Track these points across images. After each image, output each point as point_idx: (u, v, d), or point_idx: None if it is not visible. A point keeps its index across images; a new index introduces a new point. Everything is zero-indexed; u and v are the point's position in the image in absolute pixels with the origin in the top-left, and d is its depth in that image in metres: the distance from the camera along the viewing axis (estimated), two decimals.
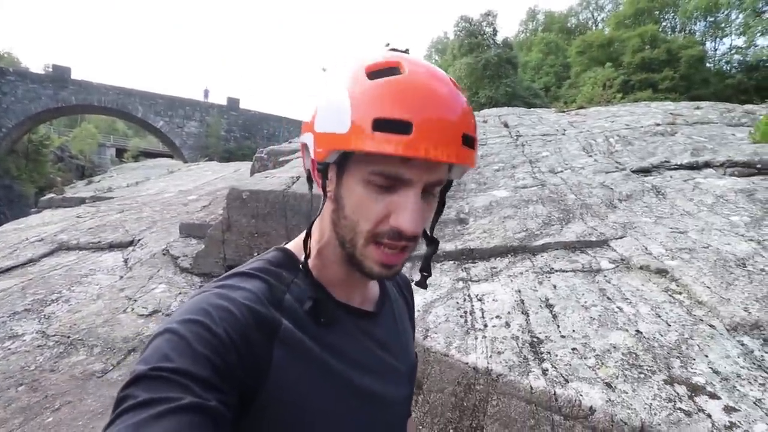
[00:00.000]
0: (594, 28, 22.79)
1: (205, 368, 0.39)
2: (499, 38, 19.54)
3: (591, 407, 1.20)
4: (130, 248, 4.35)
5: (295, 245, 0.58)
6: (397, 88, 0.44)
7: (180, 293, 3.50)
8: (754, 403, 1.18)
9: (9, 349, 2.75)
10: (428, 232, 0.58)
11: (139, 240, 4.47)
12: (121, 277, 3.76)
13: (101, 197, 6.36)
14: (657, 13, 19.36)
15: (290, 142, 5.74)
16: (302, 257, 0.53)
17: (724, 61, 17.05)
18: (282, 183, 3.53)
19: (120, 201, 5.79)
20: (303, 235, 0.55)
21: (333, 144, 0.46)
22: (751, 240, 2.11)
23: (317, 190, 0.54)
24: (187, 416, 0.36)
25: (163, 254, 4.05)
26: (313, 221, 0.54)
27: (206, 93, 24.81)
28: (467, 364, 1.50)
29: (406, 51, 0.53)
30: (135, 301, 3.35)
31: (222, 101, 23.86)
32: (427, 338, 1.68)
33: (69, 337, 2.89)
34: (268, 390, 0.45)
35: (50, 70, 20.45)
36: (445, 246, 2.53)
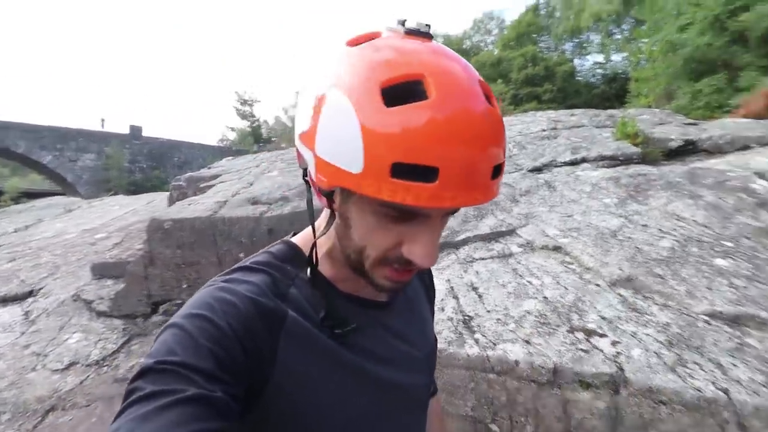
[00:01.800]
0: (485, 49, 25.44)
1: (209, 361, 0.39)
2: None
3: (516, 361, 1.44)
4: (30, 299, 3.84)
5: (300, 239, 0.57)
6: (423, 122, 0.36)
7: (100, 340, 3.20)
8: (631, 335, 1.53)
9: None
10: None
11: (40, 289, 3.97)
12: (23, 333, 3.32)
13: None
14: (534, 35, 22.44)
15: (209, 168, 5.55)
16: (309, 253, 0.52)
17: (590, 74, 20.30)
18: (207, 209, 3.45)
19: (9, 248, 5.07)
20: (308, 230, 0.54)
21: (339, 180, 0.40)
22: (620, 216, 2.62)
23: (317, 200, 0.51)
24: (192, 407, 0.36)
25: (74, 300, 3.66)
26: (315, 227, 0.51)
27: (102, 124, 22.49)
28: None
29: (428, 28, 0.42)
30: (45, 356, 2.99)
31: (123, 130, 21.70)
32: None
33: None
34: (276, 381, 0.44)
35: None
36: None
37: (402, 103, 0.36)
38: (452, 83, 0.38)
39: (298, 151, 0.48)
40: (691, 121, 5.68)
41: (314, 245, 0.50)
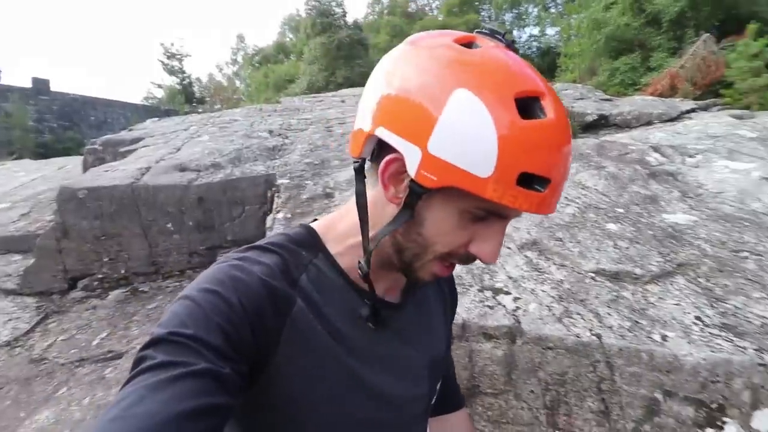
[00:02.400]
0: (431, 14, 25.21)
1: (219, 337, 0.40)
2: (350, 19, 20.10)
3: None
4: None
5: (322, 224, 0.56)
6: (546, 139, 0.40)
7: (10, 320, 2.96)
8: (530, 291, 1.74)
9: None
10: None
11: None
12: None
13: None
14: (477, 4, 22.60)
15: (130, 130, 5.10)
16: (331, 243, 0.53)
17: (526, 46, 21.01)
18: (129, 176, 3.22)
19: None
20: (335, 220, 0.55)
21: (458, 180, 0.40)
22: None
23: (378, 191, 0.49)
24: (202, 380, 0.37)
25: None
26: (367, 219, 0.49)
27: None
28: None
29: (506, 35, 0.46)
30: None
31: (25, 83, 18.64)
32: None
33: None
34: (274, 364, 0.45)
35: None
36: None
37: (526, 117, 0.39)
38: (560, 105, 0.42)
39: (360, 138, 0.47)
40: (607, 97, 6.19)
41: (376, 239, 0.48)
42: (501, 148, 0.38)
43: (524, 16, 22.01)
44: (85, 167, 4.32)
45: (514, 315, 1.59)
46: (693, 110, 5.47)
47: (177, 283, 3.15)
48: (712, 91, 6.66)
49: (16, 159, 8.24)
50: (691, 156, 3.56)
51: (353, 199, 0.51)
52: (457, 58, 0.42)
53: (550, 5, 19.88)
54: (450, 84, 0.40)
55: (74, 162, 5.84)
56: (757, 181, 2.91)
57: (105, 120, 19.72)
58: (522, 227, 2.26)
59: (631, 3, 7.89)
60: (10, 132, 16.38)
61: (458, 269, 1.94)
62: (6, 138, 16.21)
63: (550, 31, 19.60)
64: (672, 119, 5.02)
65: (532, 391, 1.48)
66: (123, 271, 3.21)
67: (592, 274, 1.85)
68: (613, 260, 1.93)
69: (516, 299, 1.69)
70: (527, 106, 0.40)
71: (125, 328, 2.56)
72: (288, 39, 32.41)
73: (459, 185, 0.40)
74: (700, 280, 1.87)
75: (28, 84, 18.45)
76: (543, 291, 1.73)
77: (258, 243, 0.52)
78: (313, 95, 7.49)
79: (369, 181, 0.51)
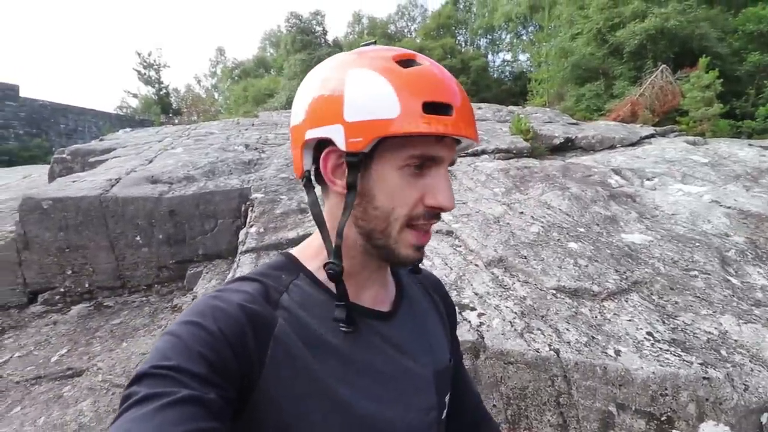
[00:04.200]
0: (409, 36, 25.93)
1: (202, 365, 0.41)
2: (329, 38, 20.42)
3: None
4: None
5: (299, 250, 0.59)
6: (433, 77, 0.48)
7: None
8: (495, 307, 1.81)
9: None
10: None
11: None
12: None
13: None
14: (453, 28, 23.43)
15: (102, 140, 4.98)
16: (309, 261, 0.55)
17: (500, 71, 21.89)
18: (98, 186, 3.15)
19: None
20: (309, 240, 0.58)
21: (377, 131, 0.46)
22: (504, 204, 2.98)
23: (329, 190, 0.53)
24: (187, 407, 0.38)
25: None
26: (325, 221, 0.53)
27: None
28: None
29: (374, 42, 0.55)
30: None
31: None
32: None
33: None
34: (262, 387, 0.46)
35: None
36: (288, 234, 2.76)
37: (410, 67, 0.48)
38: (430, 60, 0.50)
39: (297, 155, 0.53)
40: (574, 121, 6.52)
41: (325, 231, 0.53)
42: (397, 90, 0.46)
43: (498, 42, 23.01)
44: (52, 177, 4.18)
45: (478, 330, 1.64)
46: (652, 136, 5.84)
47: (144, 298, 3.06)
48: (670, 118, 7.11)
49: None
50: (648, 179, 3.79)
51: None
52: (340, 58, 0.52)
53: (522, 33, 20.88)
54: (343, 70, 0.49)
55: (40, 171, 5.63)
56: (708, 204, 3.13)
57: (76, 128, 18.94)
58: (489, 244, 2.34)
59: (594, 34, 8.42)
60: None
61: None
62: None
63: (522, 57, 20.56)
64: (633, 144, 5.33)
65: (494, 406, 1.53)
66: (87, 285, 3.11)
67: (554, 291, 1.94)
68: (573, 278, 2.03)
69: (481, 315, 1.75)
70: (405, 63, 0.49)
71: (87, 344, 2.47)
72: (269, 54, 32.52)
73: (381, 133, 0.46)
74: (653, 297, 1.98)
75: None
76: (507, 307, 1.80)
77: (239, 276, 0.54)
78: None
79: (321, 194, 0.56)
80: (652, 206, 3.16)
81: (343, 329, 0.51)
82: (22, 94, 18.23)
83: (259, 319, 0.47)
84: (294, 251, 0.58)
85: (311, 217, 2.84)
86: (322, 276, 0.54)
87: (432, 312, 0.66)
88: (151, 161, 3.87)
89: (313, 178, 0.54)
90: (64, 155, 4.32)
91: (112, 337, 2.53)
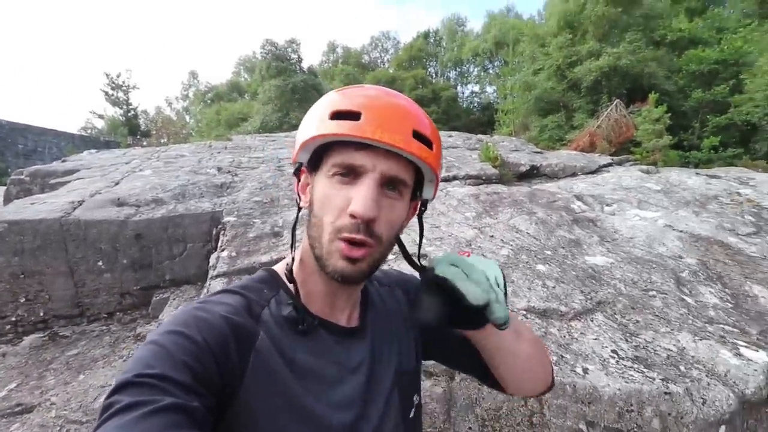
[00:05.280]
0: (382, 66, 26.84)
1: (185, 374, 0.42)
2: (305, 65, 20.79)
3: None
4: None
5: (280, 266, 0.62)
6: (351, 93, 0.54)
7: None
8: None
9: None
10: (412, 255, 0.61)
11: None
12: None
13: None
14: (425, 60, 24.52)
15: (64, 161, 4.79)
16: (288, 278, 0.57)
17: (469, 101, 22.98)
18: (58, 209, 3.01)
19: None
20: (289, 257, 0.60)
21: (307, 138, 0.54)
22: (475, 228, 3.07)
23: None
24: (169, 415, 0.38)
25: None
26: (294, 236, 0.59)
27: None
28: None
29: None
30: None
31: None
32: None
33: None
34: (242, 397, 0.47)
35: None
36: (261, 258, 2.72)
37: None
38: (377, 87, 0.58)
39: (295, 184, 0.61)
40: (538, 150, 6.86)
41: (292, 244, 0.60)
42: (317, 113, 0.55)
43: (466, 75, 24.20)
44: (8, 199, 3.96)
45: None
46: (609, 164, 6.22)
47: (104, 327, 2.90)
48: (625, 148, 7.63)
49: None
50: (608, 205, 4.02)
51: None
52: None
53: (489, 67, 22.09)
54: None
55: None
56: (662, 228, 3.34)
57: (35, 149, 18.08)
58: None
59: (554, 70, 9.06)
60: None
61: None
62: None
63: (489, 89, 21.70)
64: (592, 171, 5.66)
65: (470, 428, 1.54)
66: (42, 314, 2.91)
67: (524, 312, 2.00)
68: (542, 298, 2.10)
69: None
70: (339, 115, 0.54)
71: (39, 378, 2.29)
72: (243, 78, 32.60)
73: (310, 139, 0.53)
74: (616, 316, 2.08)
75: None
76: None
77: (222, 288, 0.56)
78: (266, 134, 7.52)
79: None
80: (612, 230, 3.34)
81: (301, 328, 0.54)
82: None
83: (242, 331, 0.49)
84: (276, 268, 0.61)
85: (285, 242, 2.81)
86: (301, 293, 0.57)
87: (398, 314, 0.68)
88: (117, 183, 3.75)
89: None
90: (22, 176, 4.11)
91: (68, 369, 2.37)
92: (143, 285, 3.06)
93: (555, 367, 1.62)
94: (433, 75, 24.05)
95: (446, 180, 4.51)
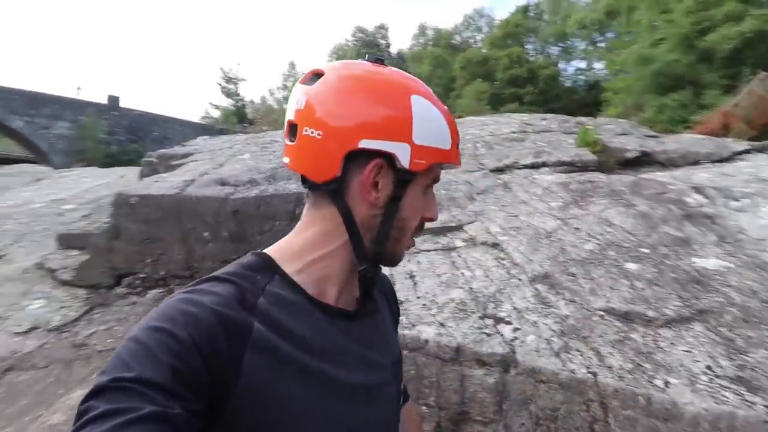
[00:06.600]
0: (474, 45, 25.63)
1: (167, 375, 0.39)
2: (394, 50, 20.90)
3: (426, 339, 1.64)
4: None
5: (274, 249, 0.58)
6: (453, 121, 0.60)
7: (62, 307, 3.29)
8: (532, 323, 1.74)
9: None
10: None
11: (3, 255, 4.01)
12: None
13: None
14: (522, 37, 22.72)
15: (183, 146, 5.57)
16: (287, 263, 0.55)
17: (573, 80, 20.76)
18: (174, 186, 3.54)
19: None
20: (289, 241, 0.58)
21: (437, 157, 0.56)
22: (559, 219, 2.84)
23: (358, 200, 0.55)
24: (149, 426, 0.36)
25: (38, 268, 3.71)
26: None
27: (78, 92, 21.79)
28: None
29: (383, 60, 0.60)
30: (5, 319, 3.07)
31: (98, 99, 20.84)
32: None
33: None
34: (240, 393, 0.44)
35: None
36: None
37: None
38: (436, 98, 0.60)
39: (338, 157, 0.52)
40: (653, 133, 5.98)
41: (379, 240, 0.57)
42: (449, 126, 0.57)
43: (570, 50, 21.83)
44: (141, 177, 4.77)
45: (510, 344, 1.59)
46: (747, 151, 5.15)
47: None
48: None
49: (84, 166, 9.15)
50: (736, 199, 3.37)
51: (308, 219, 0.58)
52: (386, 72, 0.57)
53: (597, 39, 19.62)
54: (405, 93, 0.54)
55: (133, 172, 6.43)
56: None
57: (166, 136, 21.54)
58: (536, 259, 2.25)
59: (681, 39, 7.67)
60: (84, 142, 18.25)
61: (466, 296, 1.97)
62: (80, 147, 18.11)
63: (598, 65, 19.32)
64: (722, 160, 4.77)
65: (522, 424, 1.47)
66: (162, 273, 3.49)
67: (601, 312, 1.82)
68: (626, 300, 1.88)
69: (516, 329, 1.70)
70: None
71: None
72: None
73: (442, 160, 0.56)
74: (721, 329, 1.78)
75: (102, 99, 20.60)
76: (545, 324, 1.72)
77: (211, 274, 0.52)
78: None
79: (313, 199, 0.58)
80: (736, 229, 2.81)
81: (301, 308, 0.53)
82: (121, 104, 21.13)
83: (234, 324, 0.45)
84: (270, 251, 0.57)
85: None
86: (299, 278, 0.54)
87: (386, 310, 0.71)
88: (222, 165, 4.25)
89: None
90: (152, 158, 4.91)
91: None
92: (239, 255, 3.47)
93: (629, 375, 1.46)
94: (531, 52, 22.22)
95: (533, 166, 4.21)
